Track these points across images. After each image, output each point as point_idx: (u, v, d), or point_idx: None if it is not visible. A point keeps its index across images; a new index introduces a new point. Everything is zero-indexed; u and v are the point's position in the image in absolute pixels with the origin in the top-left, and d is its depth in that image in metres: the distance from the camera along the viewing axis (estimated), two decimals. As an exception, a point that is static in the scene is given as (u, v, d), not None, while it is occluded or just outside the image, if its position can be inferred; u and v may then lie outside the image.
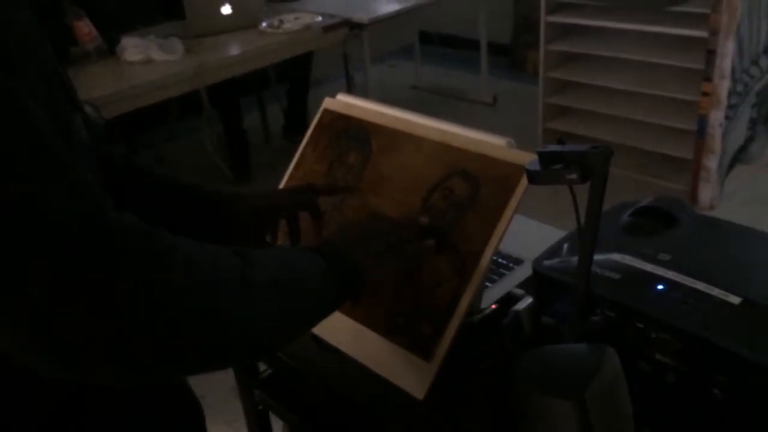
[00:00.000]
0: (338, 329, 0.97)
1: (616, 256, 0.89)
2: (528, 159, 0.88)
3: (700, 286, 0.82)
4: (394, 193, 1.00)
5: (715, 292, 0.80)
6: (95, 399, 0.66)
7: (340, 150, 1.09)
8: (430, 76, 4.53)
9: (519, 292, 1.02)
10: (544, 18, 3.18)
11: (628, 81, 3.08)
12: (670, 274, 0.84)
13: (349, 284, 0.75)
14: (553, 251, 0.93)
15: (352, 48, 3.24)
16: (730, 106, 2.78)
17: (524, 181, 0.89)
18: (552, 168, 0.67)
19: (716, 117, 2.76)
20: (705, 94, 2.75)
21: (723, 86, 2.71)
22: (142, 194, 0.87)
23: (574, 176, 0.65)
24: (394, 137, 1.04)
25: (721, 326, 0.76)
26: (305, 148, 1.14)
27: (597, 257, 0.90)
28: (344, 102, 1.13)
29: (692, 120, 2.83)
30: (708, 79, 2.72)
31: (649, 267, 0.86)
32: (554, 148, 0.68)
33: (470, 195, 0.92)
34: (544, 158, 0.68)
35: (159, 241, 0.53)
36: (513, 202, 0.89)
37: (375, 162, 1.04)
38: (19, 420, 0.63)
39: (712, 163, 2.84)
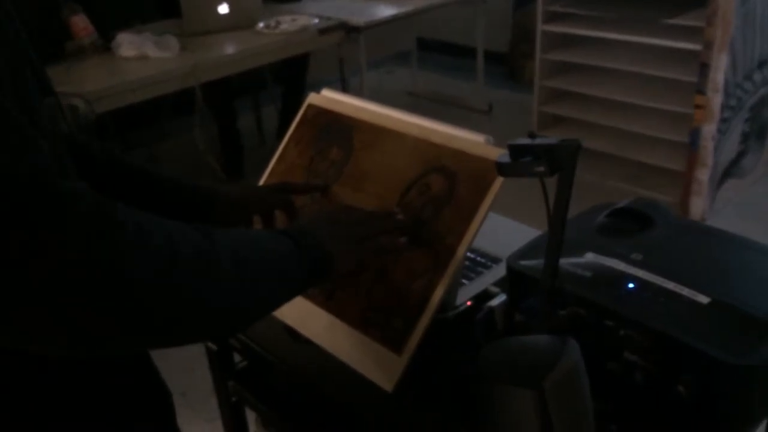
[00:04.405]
0: (312, 321, 0.97)
1: (589, 256, 0.89)
2: (506, 156, 0.89)
3: (670, 285, 0.82)
4: (372, 188, 1.00)
5: (685, 291, 0.80)
6: (51, 381, 0.65)
7: (323, 145, 1.09)
8: (427, 83, 4.54)
9: (495, 290, 1.02)
10: (540, 27, 3.20)
11: (622, 92, 3.09)
12: (641, 274, 0.84)
13: (318, 268, 0.75)
14: (529, 249, 0.93)
15: (348, 52, 3.25)
16: (722, 120, 2.79)
17: (501, 178, 0.89)
18: (521, 161, 0.68)
19: (709, 130, 2.77)
20: (698, 107, 2.76)
21: (716, 100, 2.72)
22: (120, 185, 0.86)
23: (542, 169, 0.66)
24: (375, 133, 1.04)
25: (689, 325, 0.76)
26: (288, 142, 1.14)
27: (569, 256, 0.90)
28: (328, 97, 1.13)
29: (685, 132, 2.84)
30: (701, 92, 2.73)
31: (621, 266, 0.86)
32: (524, 141, 0.68)
33: (447, 191, 0.93)
34: (514, 151, 0.69)
35: (109, 210, 0.52)
36: (488, 198, 0.89)
37: (356, 158, 1.04)
38: None
39: (703, 175, 2.85)
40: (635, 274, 0.85)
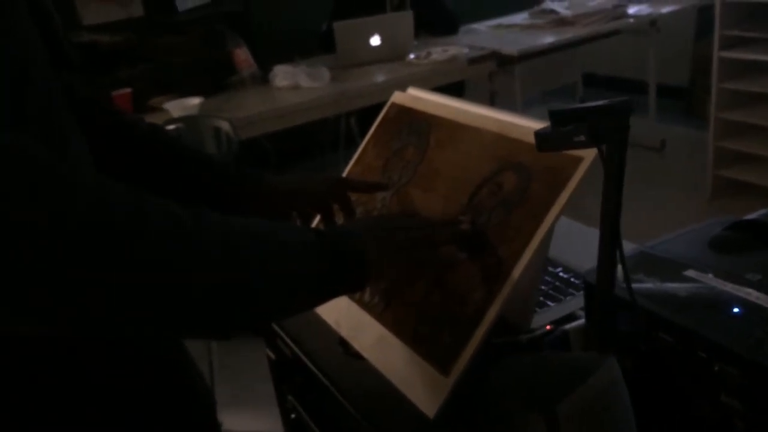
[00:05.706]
0: (365, 334, 0.88)
1: (691, 272, 0.71)
2: (590, 152, 0.75)
3: (793, 312, 0.62)
4: (443, 188, 0.89)
5: (811, 321, 0.61)
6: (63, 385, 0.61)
7: (400, 144, 1.00)
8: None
9: (582, 313, 0.86)
10: (717, 53, 2.89)
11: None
12: (755, 297, 0.65)
13: (347, 269, 0.66)
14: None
15: (503, 85, 3.14)
16: None
17: (579, 172, 0.75)
18: (561, 129, 0.54)
19: None
20: None
21: None
22: (163, 164, 0.83)
23: (581, 138, 0.52)
24: (452, 130, 0.94)
25: (808, 363, 0.56)
26: (367, 143, 1.07)
27: (665, 271, 0.73)
28: (412, 95, 1.05)
29: None
30: None
31: (728, 287, 0.68)
32: (571, 106, 0.55)
33: (519, 189, 0.80)
34: (556, 118, 0.55)
35: (56, 169, 0.47)
36: (565, 194, 0.75)
37: (430, 156, 0.94)
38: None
39: None
40: (745, 296, 0.66)
